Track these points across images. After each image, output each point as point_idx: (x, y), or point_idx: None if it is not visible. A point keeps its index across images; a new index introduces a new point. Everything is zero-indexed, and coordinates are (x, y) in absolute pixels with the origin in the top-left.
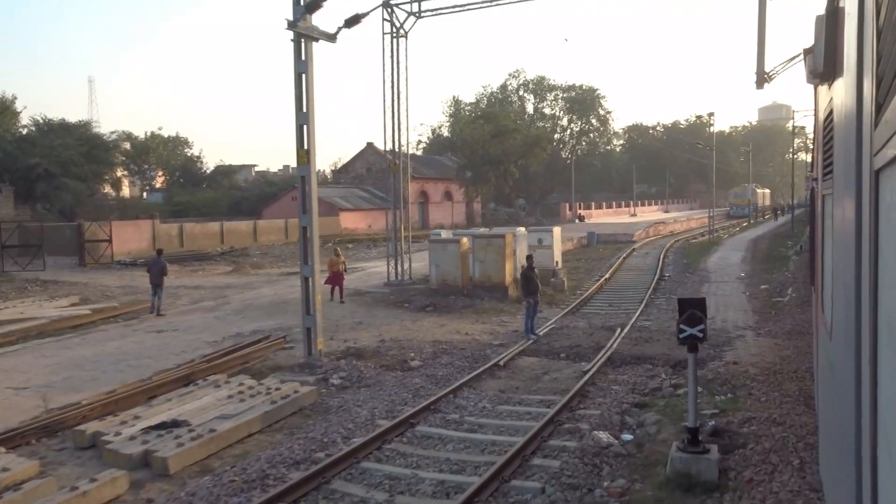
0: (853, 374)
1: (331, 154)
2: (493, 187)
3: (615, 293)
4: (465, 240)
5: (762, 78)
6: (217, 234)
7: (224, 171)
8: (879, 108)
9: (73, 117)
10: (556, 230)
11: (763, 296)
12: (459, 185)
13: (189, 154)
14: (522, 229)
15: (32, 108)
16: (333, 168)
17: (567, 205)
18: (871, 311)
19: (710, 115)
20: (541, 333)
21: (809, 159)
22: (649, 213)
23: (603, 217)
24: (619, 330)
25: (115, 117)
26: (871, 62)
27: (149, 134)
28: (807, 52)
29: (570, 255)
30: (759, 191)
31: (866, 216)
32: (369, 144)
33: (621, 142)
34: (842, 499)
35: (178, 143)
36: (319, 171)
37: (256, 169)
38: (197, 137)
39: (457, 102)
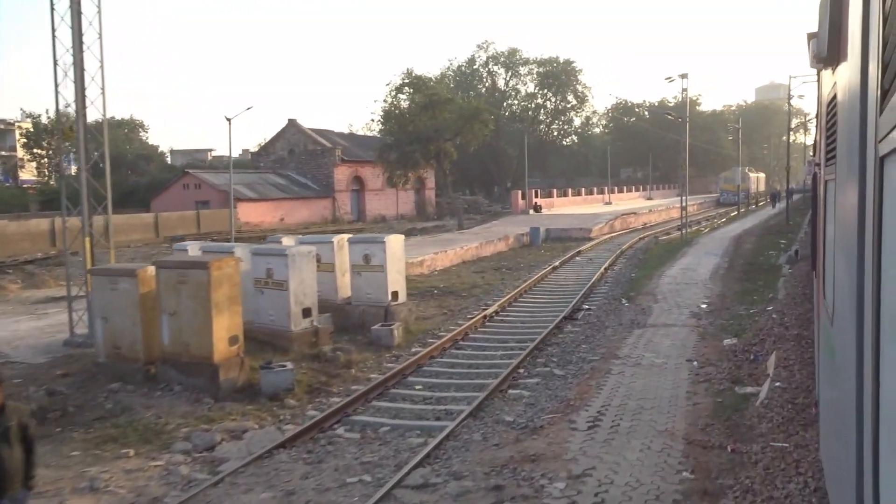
0: (854, 360)
1: (256, 134)
2: (443, 172)
3: (476, 352)
4: (150, 270)
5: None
6: (45, 233)
7: (147, 155)
8: (885, 93)
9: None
10: (394, 241)
11: (723, 374)
12: (383, 169)
13: (144, 139)
14: (342, 239)
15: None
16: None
17: (520, 193)
18: (873, 297)
19: (684, 89)
20: None
21: (809, 142)
22: (628, 201)
23: (568, 206)
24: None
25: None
26: (877, 47)
27: (98, 119)
28: (811, 36)
29: (485, 262)
30: (752, 175)
31: (870, 202)
32: (291, 122)
33: (603, 122)
34: (842, 483)
35: (131, 126)
36: (242, 152)
37: (214, 153)
38: (157, 122)
39: (411, 75)
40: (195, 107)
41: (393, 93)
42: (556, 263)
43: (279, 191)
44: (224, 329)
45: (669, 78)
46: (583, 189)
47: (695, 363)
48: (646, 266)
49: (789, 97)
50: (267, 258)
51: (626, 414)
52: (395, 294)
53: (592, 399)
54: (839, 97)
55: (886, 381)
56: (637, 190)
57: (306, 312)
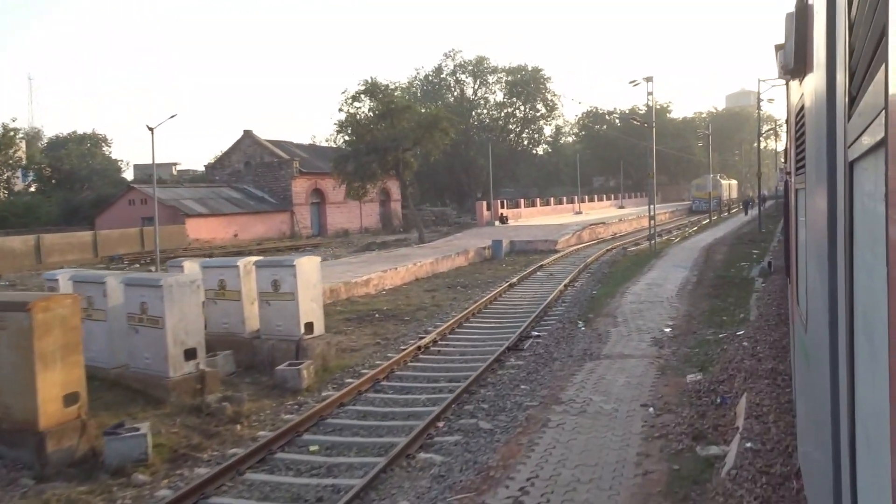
0: (828, 365)
1: (210, 146)
2: (404, 183)
3: (396, 396)
4: None
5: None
6: None
7: (104, 170)
8: (853, 100)
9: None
10: (307, 264)
11: (683, 426)
12: (339, 181)
13: (107, 153)
14: (248, 263)
15: None
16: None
17: (484, 203)
18: (847, 302)
19: (650, 93)
20: None
21: (780, 148)
22: (600, 210)
23: (536, 217)
24: None
25: (59, 117)
26: (844, 55)
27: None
28: (778, 48)
29: (440, 279)
30: (724, 182)
31: (841, 207)
32: (247, 133)
33: (574, 130)
34: (820, 485)
35: (94, 141)
36: (190, 169)
37: (179, 167)
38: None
39: (374, 85)
40: (159, 120)
41: (349, 101)
42: (514, 280)
43: (233, 205)
44: (56, 386)
45: (634, 81)
46: (552, 199)
47: (651, 409)
48: (610, 282)
49: (759, 100)
50: (140, 290)
51: (557, 492)
52: (308, 326)
53: (519, 466)
54: (807, 106)
55: (861, 384)
56: (609, 199)
57: (189, 354)
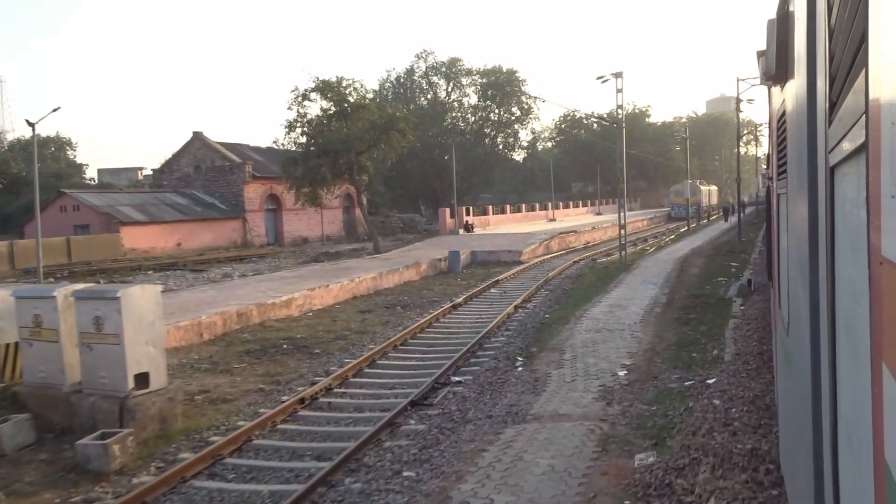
0: (809, 368)
1: (159, 149)
2: (357, 189)
3: (230, 487)
4: None
5: None
6: None
7: (64, 175)
8: (833, 105)
9: None
10: (140, 296)
11: None
12: (287, 186)
13: (72, 157)
14: (67, 293)
15: None
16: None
17: (448, 210)
18: (828, 306)
19: (619, 89)
20: None
21: (761, 153)
22: (576, 217)
23: (506, 225)
24: None
25: (31, 120)
26: (825, 61)
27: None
28: (760, 54)
29: (382, 296)
30: (704, 188)
31: (822, 212)
32: (196, 135)
33: (553, 135)
34: (802, 489)
35: (59, 145)
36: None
37: (146, 172)
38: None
39: (325, 83)
40: (127, 123)
41: (299, 99)
42: (460, 299)
43: (177, 212)
44: None
45: (602, 77)
46: (523, 205)
47: None
48: (568, 301)
49: (737, 100)
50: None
51: None
52: (141, 378)
53: None
54: (788, 111)
55: (843, 387)
56: (587, 205)
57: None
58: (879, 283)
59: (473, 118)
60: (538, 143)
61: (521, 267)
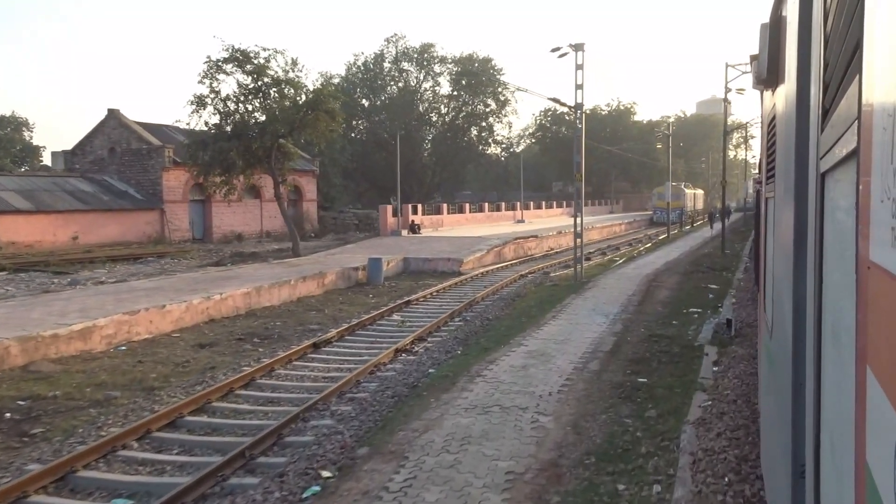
0: (791, 370)
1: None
2: (275, 179)
3: None
4: None
5: None
6: None
7: (16, 157)
8: (826, 112)
9: None
10: None
11: None
12: (194, 173)
13: (28, 138)
14: None
15: None
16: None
17: (389, 208)
18: (815, 310)
19: (579, 66)
20: None
21: (750, 157)
22: (548, 219)
23: (462, 226)
24: None
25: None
26: (819, 67)
27: None
28: (753, 58)
29: (254, 319)
30: (689, 191)
31: (811, 217)
32: (112, 112)
33: (531, 131)
34: (782, 491)
35: (15, 124)
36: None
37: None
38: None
39: (242, 52)
40: (83, 103)
41: (211, 71)
42: (333, 333)
43: (77, 200)
44: None
45: (558, 49)
46: (486, 204)
47: None
48: (479, 342)
49: (725, 92)
50: None
51: None
52: None
53: None
54: (779, 116)
55: (827, 391)
56: (562, 206)
57: None
58: (867, 287)
59: (446, 109)
60: (521, 141)
61: (457, 280)
